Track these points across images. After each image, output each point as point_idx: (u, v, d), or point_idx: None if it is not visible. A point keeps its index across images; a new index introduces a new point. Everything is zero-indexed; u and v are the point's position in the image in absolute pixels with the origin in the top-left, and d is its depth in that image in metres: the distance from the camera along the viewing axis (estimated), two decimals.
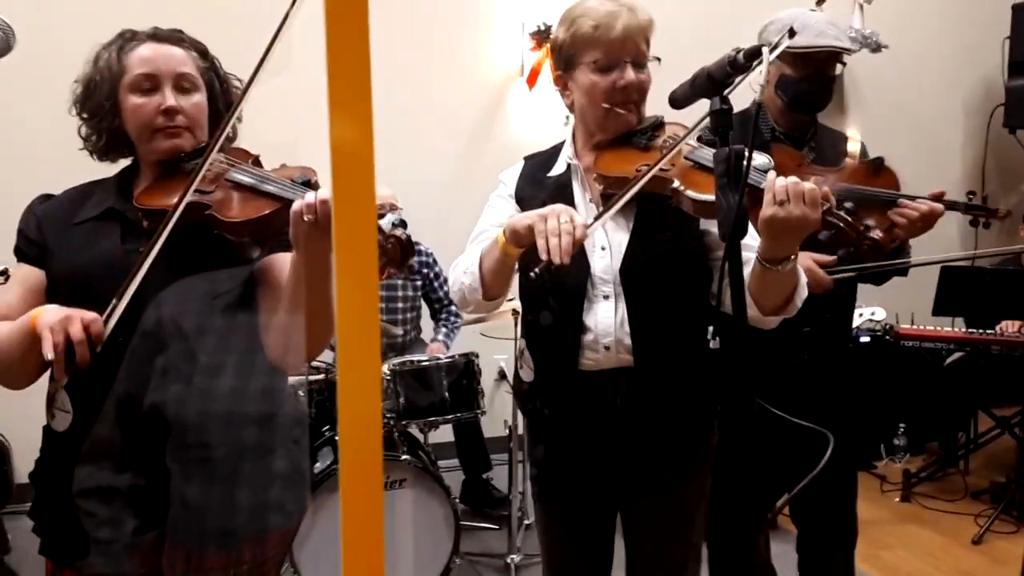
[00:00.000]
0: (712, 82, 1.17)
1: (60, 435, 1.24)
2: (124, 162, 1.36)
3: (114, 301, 1.12)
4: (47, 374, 1.19)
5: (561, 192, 1.50)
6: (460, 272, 1.51)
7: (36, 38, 2.98)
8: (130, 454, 1.20)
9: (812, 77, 1.83)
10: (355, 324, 0.42)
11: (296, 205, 1.10)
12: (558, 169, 1.54)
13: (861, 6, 4.28)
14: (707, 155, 1.38)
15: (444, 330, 3.48)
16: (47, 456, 1.29)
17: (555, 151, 1.58)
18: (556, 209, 1.29)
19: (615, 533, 1.64)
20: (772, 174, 1.26)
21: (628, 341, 1.43)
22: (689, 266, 1.47)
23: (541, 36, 4.03)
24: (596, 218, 1.37)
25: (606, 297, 1.44)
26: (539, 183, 1.54)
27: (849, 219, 1.25)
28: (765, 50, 1.12)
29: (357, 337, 0.42)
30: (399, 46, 3.80)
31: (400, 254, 1.07)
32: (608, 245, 1.46)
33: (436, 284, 3.51)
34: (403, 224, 1.09)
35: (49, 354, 1.05)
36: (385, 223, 1.06)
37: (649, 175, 1.34)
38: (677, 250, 1.46)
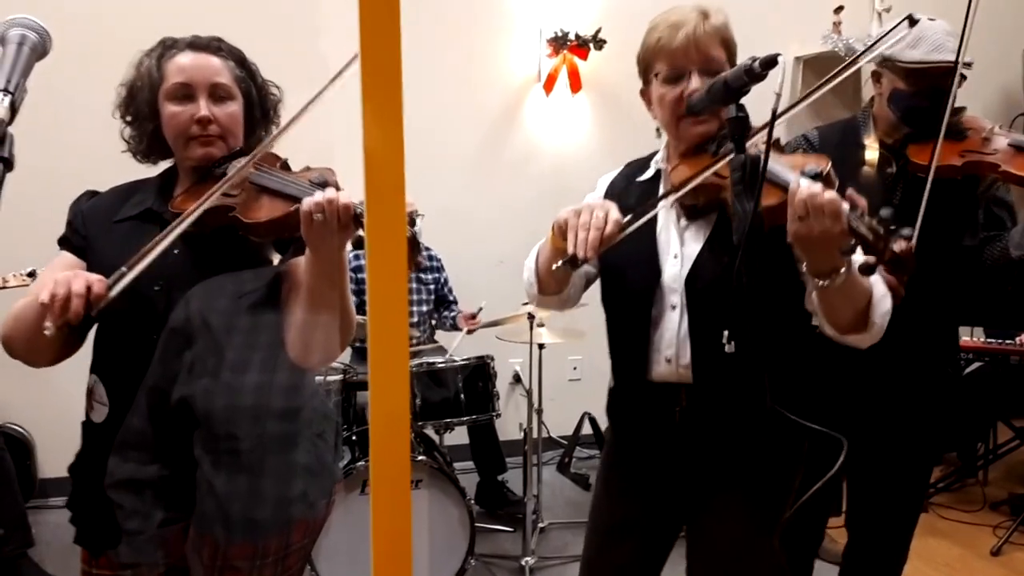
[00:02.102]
0: (728, 90, 1.17)
1: (97, 427, 1.30)
2: (165, 163, 1.40)
3: (123, 269, 1.14)
4: (86, 369, 1.23)
5: (645, 197, 1.48)
6: (525, 267, 1.54)
7: (87, 38, 3.06)
8: (159, 446, 1.24)
9: (927, 92, 1.75)
10: (386, 321, 0.44)
11: (306, 204, 1.13)
12: (649, 174, 1.53)
13: (880, 14, 4.27)
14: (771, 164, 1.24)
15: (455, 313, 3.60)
16: (85, 448, 1.34)
17: (652, 156, 1.56)
18: (592, 204, 1.26)
19: (668, 553, 1.58)
20: (794, 184, 1.17)
21: (688, 355, 1.38)
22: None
23: (558, 42, 4.05)
24: (634, 218, 1.29)
25: (673, 307, 1.40)
26: (628, 186, 1.53)
27: (879, 229, 1.11)
28: (782, 58, 1.11)
29: (387, 333, 0.44)
30: (417, 51, 3.84)
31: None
32: (680, 254, 1.41)
33: (446, 289, 3.67)
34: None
35: (45, 298, 1.07)
36: None
37: (695, 182, 1.29)
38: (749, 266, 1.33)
